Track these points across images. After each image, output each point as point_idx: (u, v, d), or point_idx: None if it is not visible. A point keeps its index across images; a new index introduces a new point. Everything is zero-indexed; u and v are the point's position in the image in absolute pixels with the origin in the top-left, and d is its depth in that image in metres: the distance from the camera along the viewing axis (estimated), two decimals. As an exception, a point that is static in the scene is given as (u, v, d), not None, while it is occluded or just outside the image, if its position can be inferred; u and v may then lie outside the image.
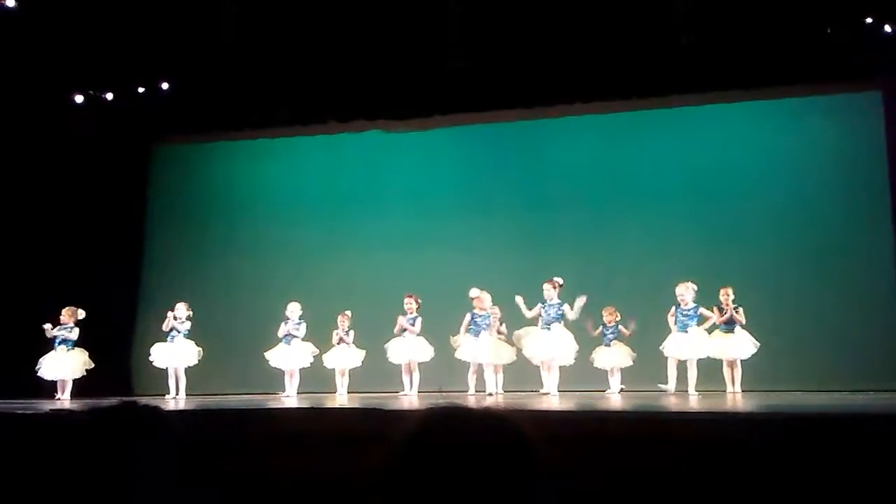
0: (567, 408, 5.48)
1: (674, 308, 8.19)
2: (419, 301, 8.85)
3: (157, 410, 1.72)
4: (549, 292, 8.25)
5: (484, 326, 8.42)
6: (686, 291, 8.11)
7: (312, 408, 5.12)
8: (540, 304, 8.29)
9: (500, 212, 9.89)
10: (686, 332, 8.08)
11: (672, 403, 5.97)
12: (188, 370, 9.09)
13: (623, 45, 8.93)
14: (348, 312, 9.10)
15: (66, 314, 8.92)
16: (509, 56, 9.24)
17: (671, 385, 8.08)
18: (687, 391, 7.96)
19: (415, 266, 9.86)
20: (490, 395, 8.29)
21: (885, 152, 8.73)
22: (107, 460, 1.75)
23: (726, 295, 8.12)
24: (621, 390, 8.34)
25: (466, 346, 8.45)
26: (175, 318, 8.98)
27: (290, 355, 8.96)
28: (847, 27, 8.50)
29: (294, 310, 9.02)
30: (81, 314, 8.99)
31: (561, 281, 8.33)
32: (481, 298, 8.46)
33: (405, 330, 8.74)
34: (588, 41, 8.97)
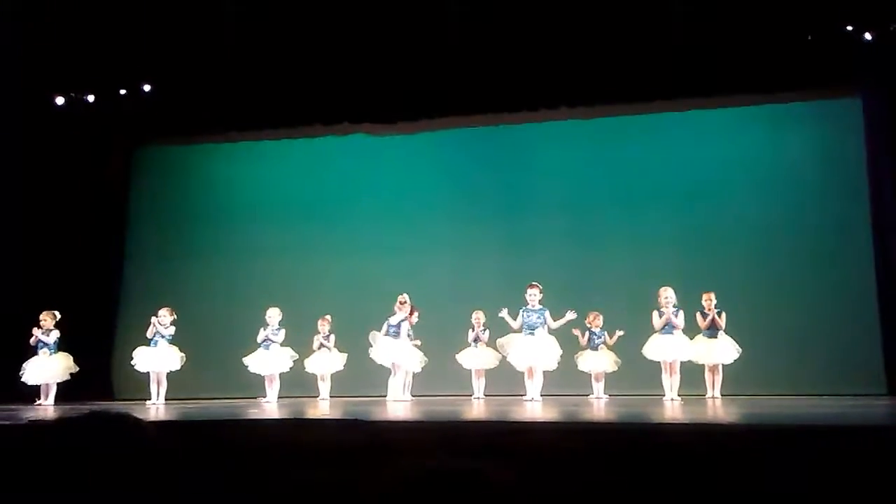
0: (553, 417, 5.47)
1: (656, 312, 8.20)
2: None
3: (129, 419, 1.70)
4: (533, 297, 8.25)
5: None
6: (667, 294, 8.12)
7: (289, 419, 5.10)
8: (522, 310, 8.30)
9: (484, 216, 9.88)
10: (672, 334, 8.09)
11: (655, 411, 5.98)
12: (170, 375, 8.99)
13: (607, 51, 8.98)
14: (328, 316, 9.08)
15: (46, 318, 8.83)
16: (496, 61, 9.25)
17: (669, 394, 8.01)
18: (668, 396, 7.97)
19: (399, 270, 9.83)
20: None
21: (865, 158, 8.82)
22: (79, 469, 1.73)
23: (709, 300, 8.14)
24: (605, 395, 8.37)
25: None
26: (159, 324, 8.87)
27: (268, 361, 8.90)
28: (828, 34, 8.59)
29: (273, 315, 8.96)
30: (57, 316, 8.90)
31: (540, 287, 8.35)
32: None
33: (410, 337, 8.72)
34: (573, 47, 9.01)
